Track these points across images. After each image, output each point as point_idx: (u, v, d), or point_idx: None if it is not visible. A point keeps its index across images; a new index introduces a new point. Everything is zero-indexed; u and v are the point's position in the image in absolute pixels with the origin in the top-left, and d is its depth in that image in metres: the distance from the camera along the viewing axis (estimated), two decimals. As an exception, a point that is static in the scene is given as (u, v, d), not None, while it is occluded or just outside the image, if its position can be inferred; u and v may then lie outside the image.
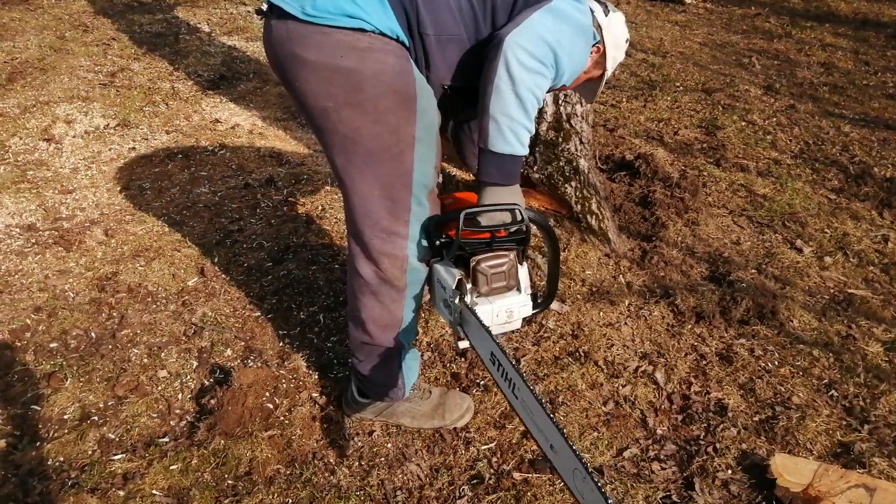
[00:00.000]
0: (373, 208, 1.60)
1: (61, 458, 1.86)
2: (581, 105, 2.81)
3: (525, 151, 1.58)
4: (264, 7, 1.51)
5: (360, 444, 1.96)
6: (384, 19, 1.45)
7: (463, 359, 2.26)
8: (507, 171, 1.60)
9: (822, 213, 3.29)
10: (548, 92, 1.62)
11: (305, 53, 1.44)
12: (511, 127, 1.52)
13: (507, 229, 1.59)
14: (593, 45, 1.68)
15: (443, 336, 2.35)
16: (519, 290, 1.66)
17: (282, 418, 2.00)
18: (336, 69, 1.44)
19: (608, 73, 1.80)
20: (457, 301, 1.56)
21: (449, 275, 1.62)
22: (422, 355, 2.27)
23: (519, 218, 1.58)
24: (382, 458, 1.91)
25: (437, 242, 1.65)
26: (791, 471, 1.85)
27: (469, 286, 1.57)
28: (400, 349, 1.85)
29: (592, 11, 1.67)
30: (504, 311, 1.62)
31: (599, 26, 1.69)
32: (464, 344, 1.58)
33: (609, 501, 1.06)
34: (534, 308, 1.71)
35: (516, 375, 1.38)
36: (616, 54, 1.76)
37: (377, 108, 1.49)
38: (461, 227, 1.52)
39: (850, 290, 2.70)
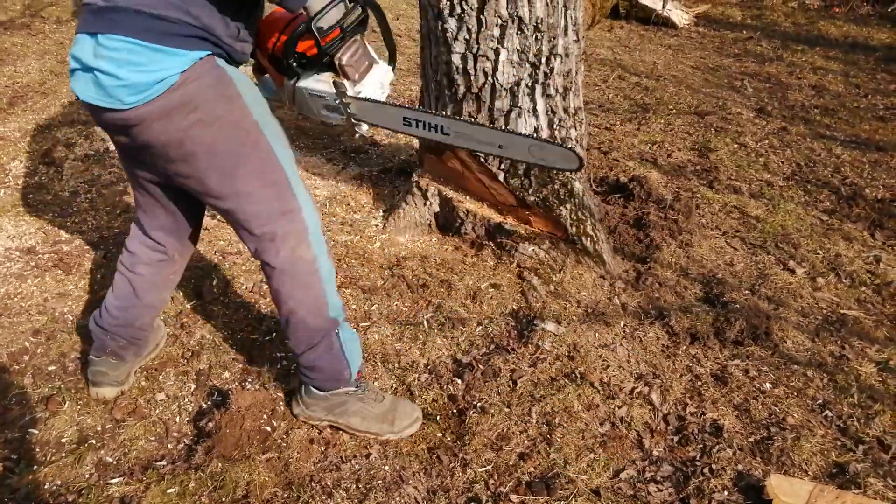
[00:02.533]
0: (263, 200, 1.75)
1: (59, 482, 1.87)
2: (575, 129, 2.85)
3: None
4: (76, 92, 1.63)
5: (357, 466, 1.97)
6: (178, 60, 1.56)
7: (460, 380, 2.27)
8: None
9: (814, 234, 3.32)
10: None
11: (144, 118, 1.58)
12: None
13: (347, 17, 1.71)
14: None
15: (440, 358, 2.37)
16: (377, 62, 1.85)
17: (279, 441, 2.01)
18: (171, 108, 1.58)
19: None
20: (343, 100, 1.77)
21: (321, 83, 1.79)
22: (418, 377, 2.28)
23: (351, 3, 1.72)
24: (380, 481, 1.92)
25: (296, 63, 1.77)
26: (787, 492, 1.86)
27: (344, 82, 1.76)
28: (334, 327, 1.93)
29: None
30: (378, 83, 1.83)
31: None
32: (363, 128, 1.87)
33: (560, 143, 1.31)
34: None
35: (434, 117, 1.84)
36: None
37: (217, 115, 1.64)
38: (319, 36, 1.67)
39: (842, 311, 2.73)
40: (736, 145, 4.32)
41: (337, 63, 1.74)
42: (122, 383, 2.16)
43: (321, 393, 2.02)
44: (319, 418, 2.07)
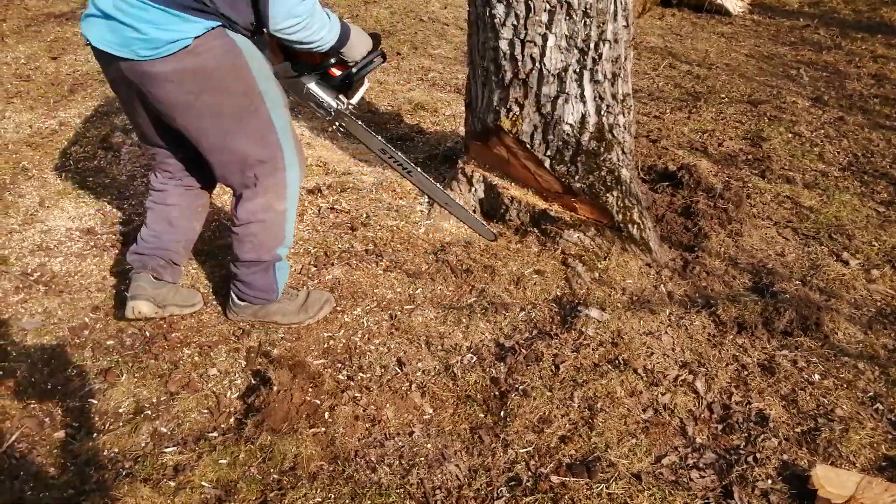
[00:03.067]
0: (254, 154, 2.08)
1: (116, 450, 1.95)
2: (623, 116, 2.83)
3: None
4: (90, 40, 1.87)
5: (400, 443, 2.00)
6: (193, 26, 1.80)
7: (502, 364, 2.29)
8: (334, 26, 2.04)
9: (870, 225, 3.23)
10: None
11: (157, 75, 1.84)
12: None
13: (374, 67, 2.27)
14: None
15: (483, 341, 2.39)
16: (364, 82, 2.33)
17: (326, 417, 2.06)
18: (184, 72, 1.85)
19: None
20: (343, 113, 2.29)
21: (327, 95, 2.25)
22: (461, 359, 2.31)
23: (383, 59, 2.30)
24: (422, 458, 1.96)
25: (312, 72, 2.21)
26: (833, 482, 1.83)
27: (344, 100, 2.28)
28: (277, 259, 2.31)
29: None
30: (362, 96, 2.36)
31: None
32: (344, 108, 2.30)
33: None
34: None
35: (404, 160, 2.52)
36: None
37: (225, 85, 1.93)
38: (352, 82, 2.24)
39: (898, 304, 2.66)
40: (790, 135, 4.21)
41: (348, 95, 2.29)
42: (160, 305, 2.36)
43: (244, 303, 2.37)
44: (250, 319, 2.42)
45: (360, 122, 2.40)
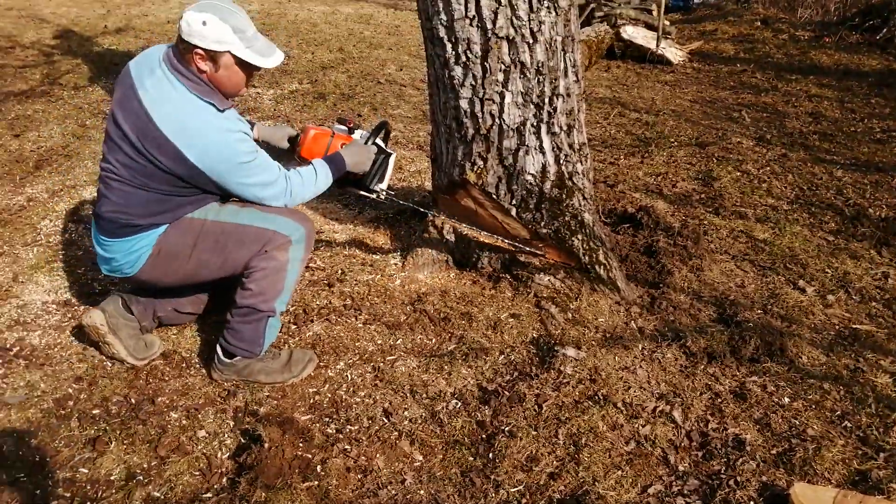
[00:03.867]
0: (251, 252, 2.34)
1: (109, 519, 1.94)
2: (581, 163, 2.98)
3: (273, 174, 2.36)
4: None
5: (393, 491, 2.04)
6: (146, 240, 2.32)
7: (487, 407, 2.35)
8: (319, 181, 2.47)
9: (821, 254, 3.42)
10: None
11: (142, 276, 2.41)
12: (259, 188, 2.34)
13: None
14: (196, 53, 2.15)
15: (466, 386, 2.45)
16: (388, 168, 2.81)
17: (318, 470, 2.08)
18: (157, 264, 2.37)
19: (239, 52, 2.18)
20: (380, 199, 2.78)
21: (349, 188, 2.76)
22: (446, 405, 2.37)
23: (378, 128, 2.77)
24: (416, 505, 1.99)
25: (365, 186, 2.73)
26: (811, 498, 1.92)
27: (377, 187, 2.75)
28: (271, 315, 2.40)
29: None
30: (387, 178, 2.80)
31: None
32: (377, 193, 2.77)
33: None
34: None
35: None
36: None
37: (190, 247, 2.34)
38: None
39: (854, 326, 2.81)
40: (738, 173, 4.45)
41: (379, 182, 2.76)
42: (110, 328, 2.47)
43: (228, 361, 2.44)
44: (234, 379, 2.47)
45: (394, 198, 2.85)
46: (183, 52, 2.15)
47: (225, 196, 2.38)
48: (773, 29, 8.94)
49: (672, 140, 5.13)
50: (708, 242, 3.43)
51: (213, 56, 2.14)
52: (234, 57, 2.15)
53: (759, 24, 9.26)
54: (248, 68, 2.22)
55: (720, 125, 5.56)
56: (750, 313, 2.83)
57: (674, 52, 7.87)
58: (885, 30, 8.21)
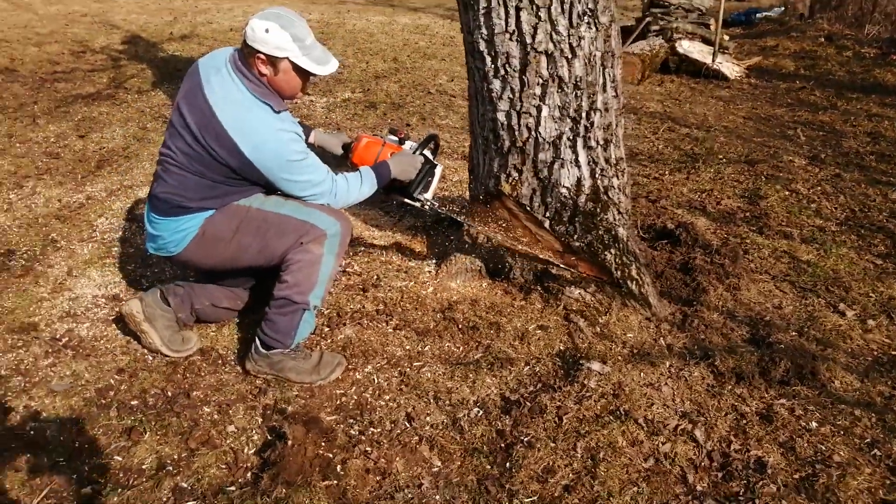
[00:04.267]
0: (289, 242, 2.46)
1: (139, 504, 2.05)
2: (618, 178, 2.98)
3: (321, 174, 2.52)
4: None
5: (409, 495, 2.08)
6: (193, 221, 2.50)
7: (508, 417, 2.37)
8: (363, 186, 2.63)
9: (867, 277, 3.32)
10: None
11: (189, 257, 2.60)
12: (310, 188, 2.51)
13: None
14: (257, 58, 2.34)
15: (489, 395, 2.48)
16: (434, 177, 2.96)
17: (338, 470, 2.14)
18: (205, 246, 2.53)
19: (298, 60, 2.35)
20: (424, 208, 2.90)
21: (396, 196, 2.88)
22: (468, 413, 2.40)
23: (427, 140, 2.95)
24: (431, 509, 2.03)
25: (410, 195, 2.85)
26: (831, 526, 1.88)
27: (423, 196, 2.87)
28: (305, 308, 2.49)
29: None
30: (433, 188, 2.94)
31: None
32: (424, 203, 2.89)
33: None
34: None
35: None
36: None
37: (233, 231, 2.49)
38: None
39: (894, 353, 2.73)
40: (787, 192, 4.35)
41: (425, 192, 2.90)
42: (147, 317, 2.62)
43: (264, 352, 2.53)
44: (266, 371, 2.57)
45: (437, 208, 2.93)
46: (247, 56, 2.35)
47: (271, 190, 2.52)
48: (836, 46, 8.69)
49: (721, 157, 5.05)
50: (748, 262, 3.38)
51: (273, 61, 2.33)
52: (292, 63, 2.34)
53: (822, 40, 9.01)
54: (304, 74, 2.40)
55: (773, 143, 5.45)
56: (784, 335, 2.77)
57: (730, 68, 7.73)
58: (956, 47, 7.90)
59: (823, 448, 2.24)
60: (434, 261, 3.37)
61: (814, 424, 2.33)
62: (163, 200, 2.48)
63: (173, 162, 2.43)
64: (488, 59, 2.79)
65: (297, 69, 2.36)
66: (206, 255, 2.55)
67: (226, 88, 2.35)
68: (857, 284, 3.24)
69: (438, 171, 2.93)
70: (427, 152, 2.89)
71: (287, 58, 2.32)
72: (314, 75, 2.40)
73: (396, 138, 2.94)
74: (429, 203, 2.88)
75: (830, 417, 2.36)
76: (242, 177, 2.42)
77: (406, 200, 2.88)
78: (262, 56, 2.31)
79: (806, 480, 2.11)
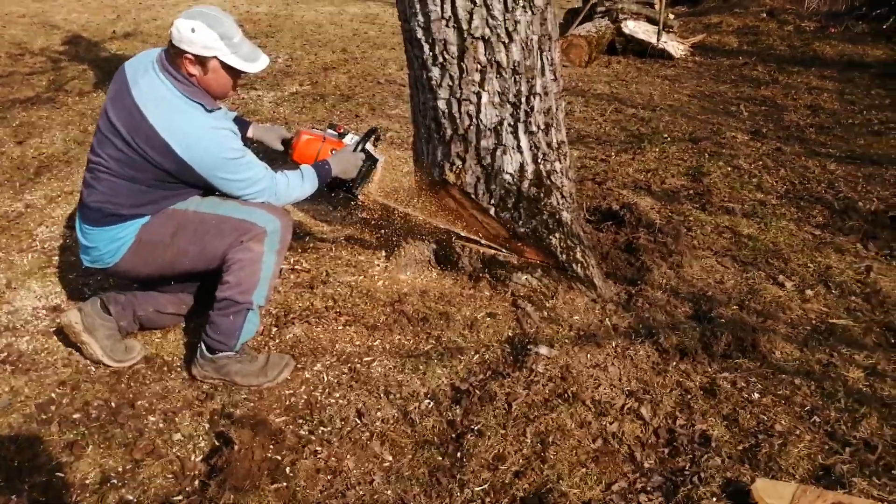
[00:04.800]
0: (229, 242, 2.41)
1: (84, 520, 2.00)
2: (560, 162, 3.00)
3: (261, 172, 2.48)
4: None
5: (361, 492, 2.08)
6: (127, 230, 2.44)
7: (458, 406, 2.38)
8: (305, 185, 2.61)
9: (805, 248, 3.41)
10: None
11: (126, 266, 2.53)
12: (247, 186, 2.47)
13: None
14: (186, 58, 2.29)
15: (439, 386, 2.49)
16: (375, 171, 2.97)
17: (287, 471, 2.13)
18: (140, 252, 2.48)
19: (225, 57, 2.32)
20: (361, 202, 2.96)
21: (351, 193, 2.89)
22: (419, 406, 2.40)
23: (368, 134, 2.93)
24: (382, 504, 2.03)
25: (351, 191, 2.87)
26: (771, 494, 1.94)
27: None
28: (249, 308, 2.45)
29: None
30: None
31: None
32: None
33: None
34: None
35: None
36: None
37: (171, 235, 2.45)
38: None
39: (831, 321, 2.81)
40: (729, 168, 4.43)
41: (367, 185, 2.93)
42: (86, 328, 2.56)
43: (209, 356, 2.49)
44: (212, 376, 2.52)
45: (381, 200, 3.05)
46: (174, 57, 2.30)
47: (209, 191, 2.48)
48: (778, 20, 8.84)
49: (666, 136, 5.11)
50: (690, 239, 3.44)
51: (201, 61, 2.29)
52: (221, 62, 2.31)
53: (764, 15, 9.15)
54: (234, 72, 2.37)
55: (716, 120, 5.54)
56: (725, 309, 2.83)
57: (675, 46, 7.82)
58: (892, 19, 8.09)
59: (765, 418, 2.29)
60: (384, 254, 3.36)
61: (756, 395, 2.39)
62: (94, 210, 2.41)
63: (104, 169, 2.37)
64: (426, 47, 2.77)
65: (227, 67, 2.33)
66: (145, 263, 2.49)
67: (154, 89, 2.30)
68: (797, 256, 3.32)
69: (380, 164, 2.92)
70: (369, 146, 2.87)
71: (215, 57, 2.28)
72: (243, 73, 2.37)
73: (336, 133, 2.91)
74: (371, 197, 2.88)
75: (772, 388, 2.43)
76: (178, 179, 2.37)
77: (348, 196, 2.88)
78: (189, 56, 2.27)
79: (749, 451, 2.17)
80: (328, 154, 2.77)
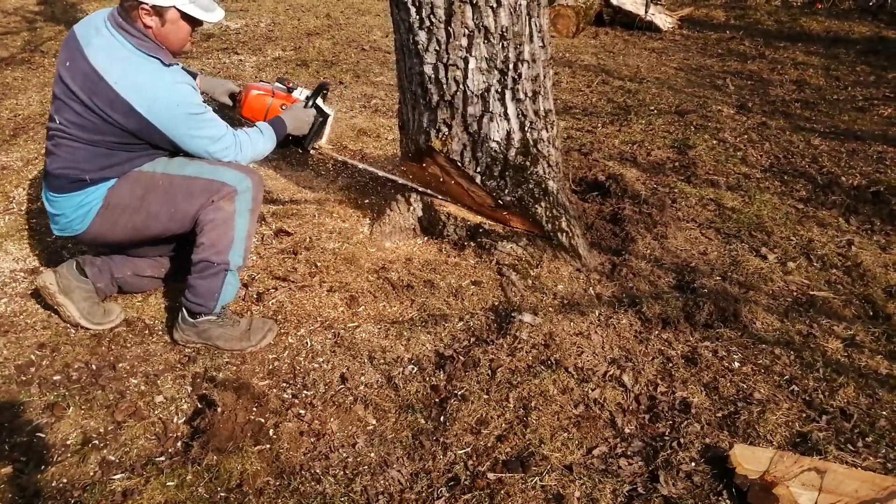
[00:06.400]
0: (201, 202, 2.39)
1: (65, 480, 1.99)
2: (547, 131, 2.98)
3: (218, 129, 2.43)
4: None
5: (344, 454, 2.09)
6: (94, 194, 2.40)
7: (442, 372, 2.39)
8: (267, 141, 2.59)
9: (788, 222, 3.44)
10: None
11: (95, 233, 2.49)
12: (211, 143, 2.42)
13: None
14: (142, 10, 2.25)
15: (423, 352, 2.49)
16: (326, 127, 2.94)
17: (271, 434, 2.13)
18: (110, 218, 2.44)
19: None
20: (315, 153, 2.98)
21: (306, 146, 2.87)
22: (402, 371, 2.41)
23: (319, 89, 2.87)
24: (366, 467, 2.04)
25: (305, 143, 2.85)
26: (749, 459, 1.97)
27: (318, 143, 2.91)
28: (226, 269, 2.44)
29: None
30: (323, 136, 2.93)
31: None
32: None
33: None
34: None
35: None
36: None
37: (140, 198, 2.41)
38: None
39: (812, 292, 2.84)
40: (715, 141, 4.44)
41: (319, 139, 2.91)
42: (62, 290, 2.53)
43: (191, 320, 2.47)
44: (194, 340, 2.51)
45: (332, 153, 3.12)
46: (129, 10, 2.25)
47: (175, 151, 2.44)
48: (766, -6, 8.83)
49: (652, 108, 5.11)
50: (675, 210, 3.45)
51: (159, 11, 2.26)
52: (180, 11, 2.28)
53: (752, -11, 9.13)
54: (192, 22, 2.34)
55: (702, 93, 5.54)
56: (708, 280, 2.85)
57: (663, 19, 7.79)
58: (878, -5, 8.12)
59: (745, 386, 2.33)
60: (368, 221, 3.34)
61: (736, 364, 2.42)
62: (59, 177, 2.36)
63: (64, 135, 2.32)
64: (413, 10, 2.72)
65: (186, 17, 2.30)
66: (114, 228, 2.45)
67: (110, 48, 2.25)
68: (779, 228, 3.35)
69: (331, 119, 2.91)
70: (319, 101, 2.86)
71: (174, 6, 2.25)
72: (201, 23, 2.35)
73: (285, 87, 2.88)
74: (324, 150, 2.95)
75: (752, 357, 2.46)
76: (142, 140, 2.33)
77: (301, 151, 2.90)
78: (146, 7, 2.23)
79: (728, 418, 2.20)
80: (278, 109, 2.76)
